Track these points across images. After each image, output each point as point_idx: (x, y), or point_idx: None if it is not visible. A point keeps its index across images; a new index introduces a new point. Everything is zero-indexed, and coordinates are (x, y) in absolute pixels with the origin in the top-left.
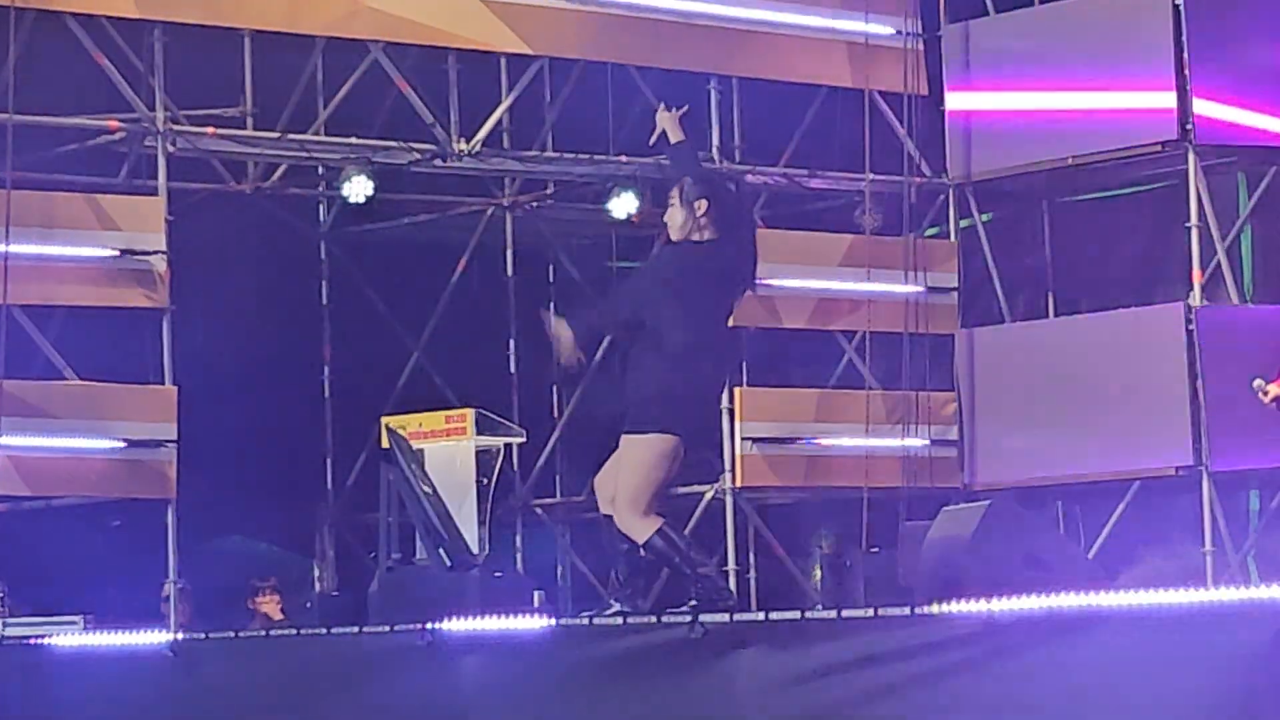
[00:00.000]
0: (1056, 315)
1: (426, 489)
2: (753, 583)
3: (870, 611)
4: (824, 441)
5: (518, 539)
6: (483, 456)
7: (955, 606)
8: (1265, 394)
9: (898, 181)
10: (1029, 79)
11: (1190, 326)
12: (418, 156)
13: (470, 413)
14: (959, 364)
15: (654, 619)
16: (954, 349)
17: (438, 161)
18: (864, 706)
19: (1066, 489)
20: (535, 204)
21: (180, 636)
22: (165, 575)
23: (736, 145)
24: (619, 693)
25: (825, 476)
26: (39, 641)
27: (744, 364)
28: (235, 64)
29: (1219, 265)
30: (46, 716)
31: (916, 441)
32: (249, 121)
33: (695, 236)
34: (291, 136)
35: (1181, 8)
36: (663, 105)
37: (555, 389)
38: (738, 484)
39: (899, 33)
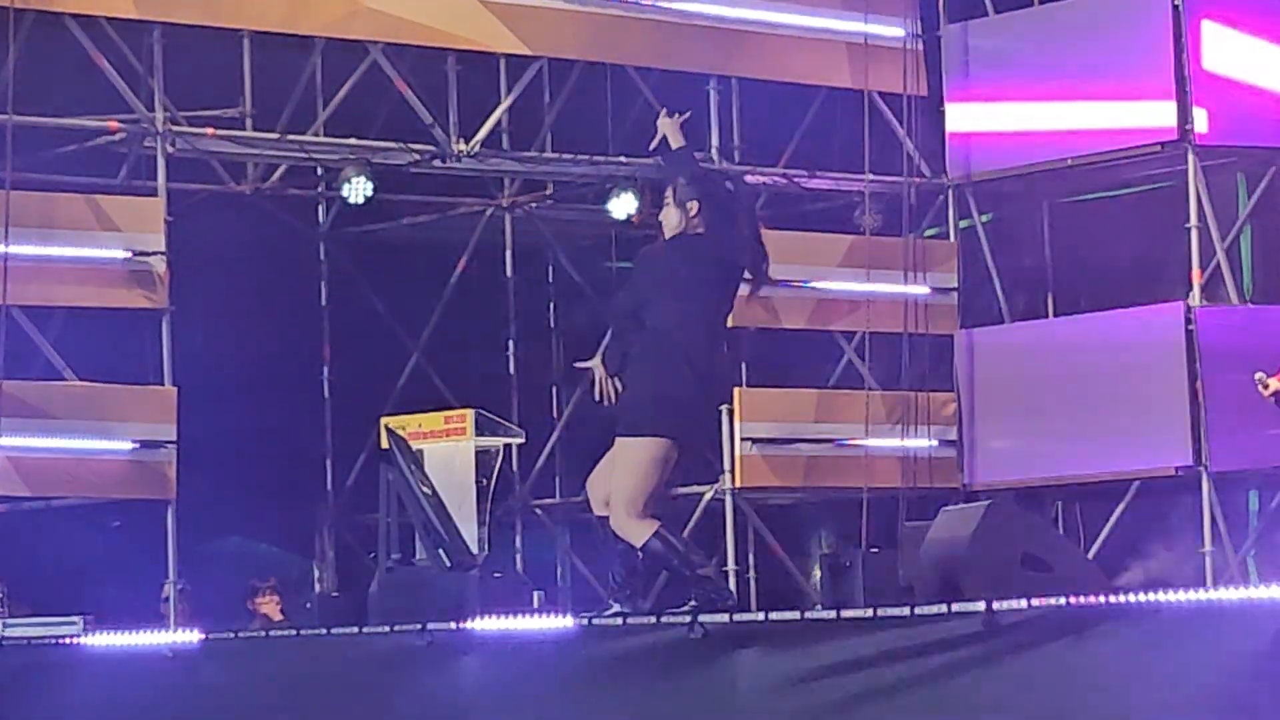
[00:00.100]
0: (1056, 315)
1: (426, 490)
2: (752, 583)
3: (870, 612)
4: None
5: (517, 539)
6: (482, 457)
7: (955, 607)
8: (1265, 387)
9: (897, 182)
10: (1029, 79)
11: (1190, 327)
12: (417, 157)
13: (470, 413)
14: (959, 364)
15: (653, 620)
16: (954, 349)
17: (437, 162)
18: (864, 707)
19: (1066, 489)
20: (534, 205)
21: (180, 637)
22: (165, 576)
23: (736, 146)
24: (619, 693)
25: (825, 477)
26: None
27: (744, 364)
28: (235, 65)
29: (1218, 265)
30: (47, 717)
31: (916, 442)
32: (248, 122)
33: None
34: (291, 137)
35: (1181, 8)
36: (664, 111)
37: (554, 389)
38: (737, 484)
39: (900, 34)
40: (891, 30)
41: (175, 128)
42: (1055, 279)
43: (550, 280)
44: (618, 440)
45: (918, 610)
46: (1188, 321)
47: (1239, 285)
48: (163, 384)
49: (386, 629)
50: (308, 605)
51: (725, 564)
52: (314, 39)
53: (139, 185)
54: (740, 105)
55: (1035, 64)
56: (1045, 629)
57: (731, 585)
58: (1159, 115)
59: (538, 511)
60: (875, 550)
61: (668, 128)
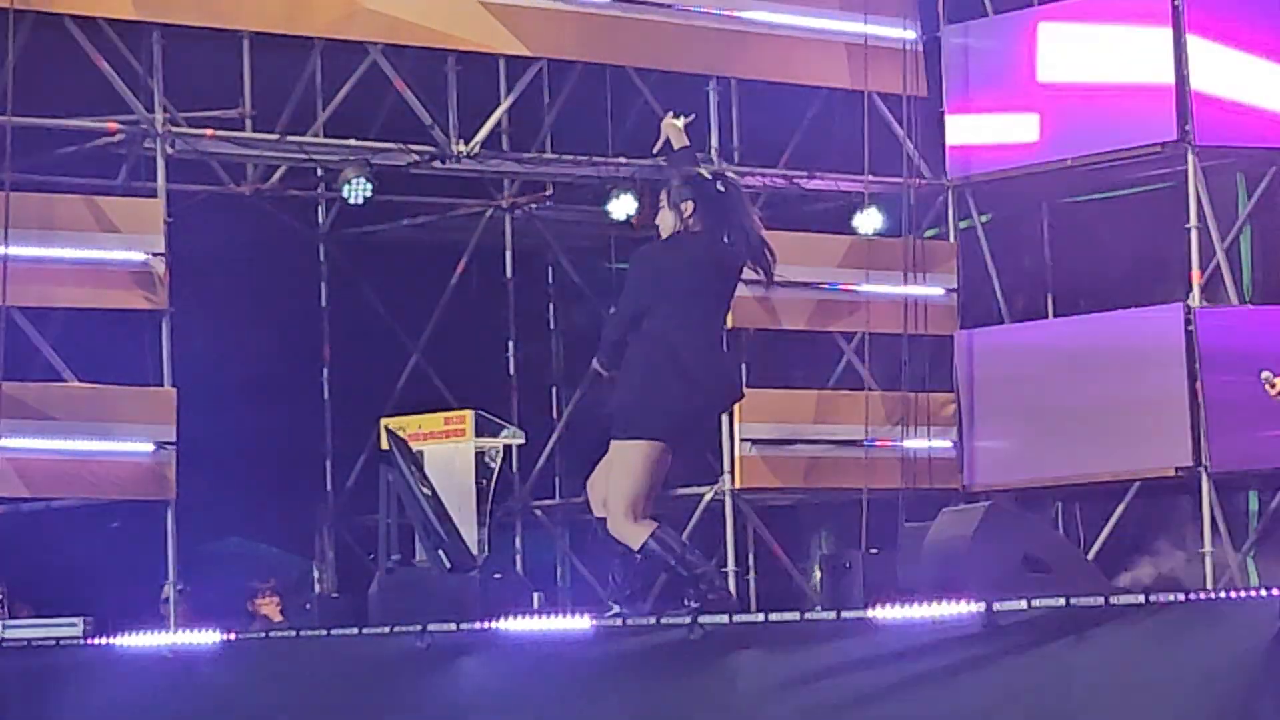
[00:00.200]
0: (1056, 316)
1: (426, 491)
2: (752, 584)
3: (869, 613)
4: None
5: (517, 540)
6: (482, 458)
7: (955, 607)
8: (1272, 386)
9: (897, 183)
10: (1028, 80)
11: (1190, 327)
12: (416, 158)
13: (469, 414)
14: (958, 365)
15: (653, 621)
16: (953, 350)
17: (437, 163)
18: (864, 708)
19: (1066, 490)
20: (534, 205)
21: (180, 639)
22: (165, 577)
23: (735, 146)
24: (619, 695)
25: (824, 478)
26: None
27: (744, 365)
28: (234, 66)
29: (1218, 266)
30: (47, 717)
31: (916, 443)
32: (248, 123)
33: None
34: (290, 138)
35: (1181, 8)
36: (671, 113)
37: (554, 390)
38: (737, 485)
39: (899, 34)
40: (891, 31)
41: (175, 129)
42: (1055, 280)
43: (550, 281)
44: (612, 443)
45: (918, 611)
46: (1187, 322)
47: (1239, 286)
48: (162, 385)
49: (386, 630)
50: (307, 606)
51: (725, 565)
52: (313, 40)
53: (139, 186)
54: (740, 106)
55: (1035, 64)
56: (1045, 629)
57: (731, 586)
58: (1158, 116)
59: (537, 512)
60: (875, 551)
61: (671, 129)
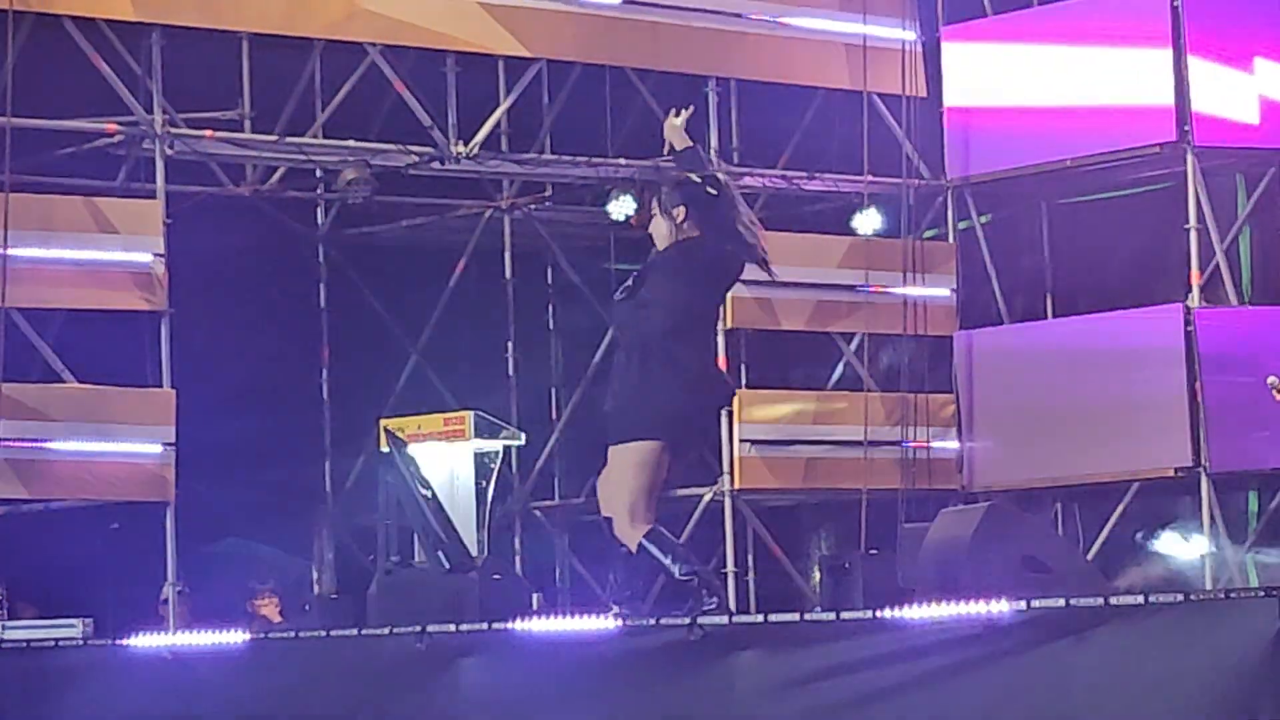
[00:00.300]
0: (1055, 317)
1: (425, 491)
2: (751, 585)
3: (869, 614)
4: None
5: (516, 541)
6: (481, 459)
7: (954, 608)
8: (1279, 391)
9: (896, 183)
10: (1027, 80)
11: (1189, 328)
12: (416, 159)
13: (469, 415)
14: (958, 366)
15: (653, 622)
16: (953, 351)
17: (436, 164)
18: (863, 709)
19: (1065, 490)
20: (533, 206)
21: (179, 640)
22: (164, 578)
23: (735, 147)
24: (618, 695)
25: (824, 478)
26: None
27: (744, 365)
28: (233, 67)
29: (1217, 267)
30: (47, 719)
31: (916, 443)
32: (247, 124)
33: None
34: (290, 139)
35: (1180, 8)
36: (671, 111)
37: (553, 391)
38: (736, 486)
39: (899, 35)
40: (890, 31)
41: (174, 130)
42: (1054, 280)
43: (549, 282)
44: (610, 449)
45: (917, 612)
46: (1187, 323)
47: (1238, 286)
48: (162, 386)
49: (385, 631)
50: (306, 607)
51: (724, 566)
52: (313, 41)
53: (138, 187)
54: (739, 106)
55: (1034, 65)
56: (1045, 630)
57: (730, 587)
58: (1158, 116)
59: (537, 513)
60: (874, 552)
61: (672, 131)
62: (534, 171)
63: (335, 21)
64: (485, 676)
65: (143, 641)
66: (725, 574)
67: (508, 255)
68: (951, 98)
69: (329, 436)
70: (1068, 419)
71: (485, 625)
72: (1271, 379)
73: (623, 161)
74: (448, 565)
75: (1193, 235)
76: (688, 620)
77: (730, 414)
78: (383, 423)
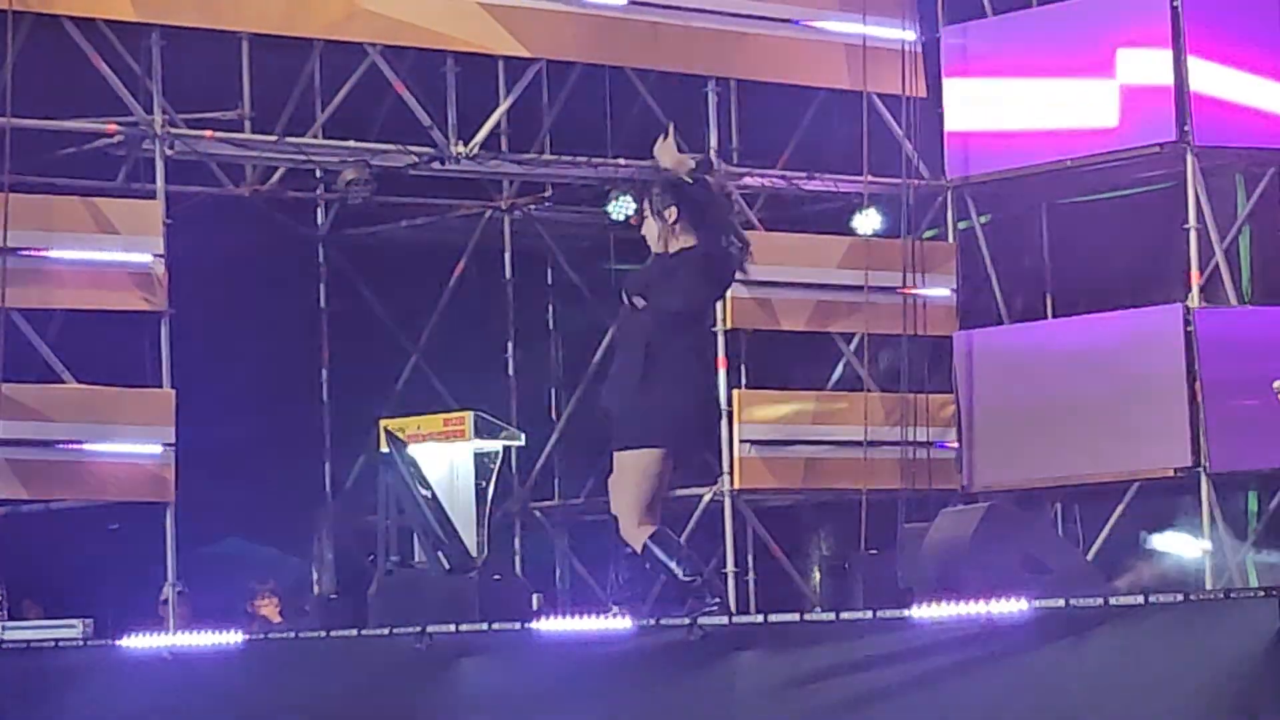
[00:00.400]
0: (1055, 317)
1: (425, 492)
2: (751, 585)
3: (869, 614)
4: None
5: (516, 542)
6: (481, 459)
7: (954, 609)
8: None
9: (896, 183)
10: (1027, 81)
11: (1189, 328)
12: (416, 159)
13: (469, 415)
14: (957, 366)
15: (653, 622)
16: (952, 351)
17: (436, 164)
18: (863, 709)
19: (1065, 490)
20: (533, 206)
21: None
22: (164, 578)
23: (734, 147)
24: (618, 695)
25: (824, 479)
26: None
27: (743, 365)
28: (233, 67)
29: (1217, 267)
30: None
31: (915, 444)
32: (247, 125)
33: (673, 246)
34: (289, 139)
35: (1180, 9)
36: (661, 136)
37: (553, 391)
38: (736, 486)
39: (898, 35)
40: (890, 32)
41: (174, 130)
42: (1054, 280)
43: (549, 282)
44: (615, 455)
45: (917, 612)
46: (1186, 323)
47: (1237, 286)
48: (162, 386)
49: (385, 631)
50: (306, 608)
51: (724, 566)
52: (312, 41)
53: (137, 188)
54: (739, 106)
55: (1034, 65)
56: (1045, 630)
57: (730, 588)
58: (1157, 117)
59: (537, 514)
60: (874, 552)
61: (664, 152)
62: (534, 172)
63: (335, 21)
64: (485, 677)
65: (142, 642)
66: (725, 574)
67: (508, 255)
68: (951, 97)
69: (329, 436)
70: (1068, 419)
71: (485, 625)
72: (1277, 384)
73: (623, 161)
74: (448, 565)
75: (1192, 235)
76: (688, 620)
77: (730, 414)
78: (383, 423)
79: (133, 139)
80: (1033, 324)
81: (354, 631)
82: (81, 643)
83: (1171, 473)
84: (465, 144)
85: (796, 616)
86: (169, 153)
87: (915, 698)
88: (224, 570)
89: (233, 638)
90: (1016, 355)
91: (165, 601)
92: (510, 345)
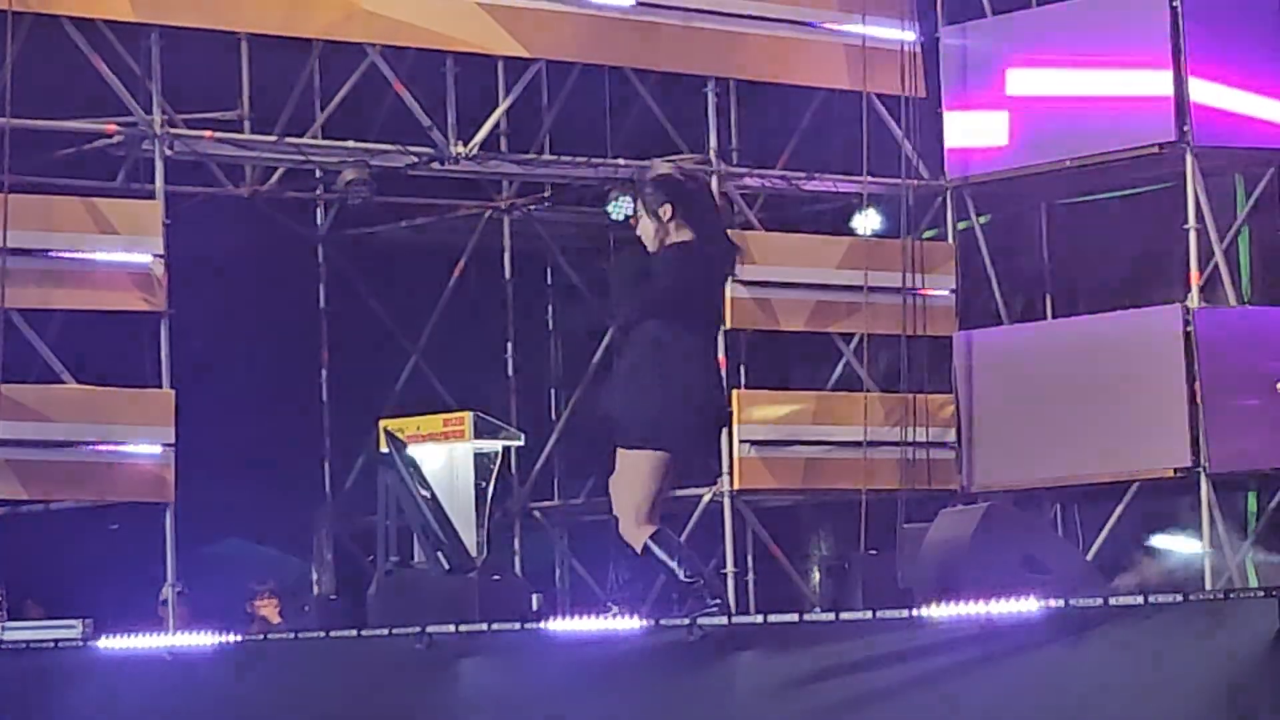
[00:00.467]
0: (1054, 317)
1: (424, 492)
2: (751, 586)
3: (869, 614)
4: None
5: (516, 542)
6: (481, 460)
7: (954, 609)
8: None
9: (895, 184)
10: (1027, 81)
11: (1188, 328)
12: (415, 159)
13: (468, 416)
14: (957, 366)
15: (652, 622)
16: (952, 351)
17: (435, 164)
18: (863, 709)
19: (1065, 491)
20: (533, 207)
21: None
22: (164, 578)
23: (734, 148)
24: (617, 696)
25: (824, 479)
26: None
27: (743, 366)
28: (232, 67)
29: (1217, 267)
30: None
31: (915, 444)
32: (246, 125)
33: (669, 243)
34: (289, 140)
35: (1180, 8)
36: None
37: (553, 392)
38: (736, 486)
39: (898, 35)
40: (890, 32)
41: (173, 130)
42: (1053, 280)
43: (548, 282)
44: (618, 452)
45: (917, 612)
46: (1186, 323)
47: (1237, 286)
48: (161, 386)
49: (385, 632)
50: (306, 608)
51: (724, 566)
52: (312, 41)
53: (137, 188)
54: (739, 107)
55: (1033, 65)
56: (1045, 630)
57: (730, 588)
58: (1157, 117)
59: (536, 514)
60: (874, 552)
61: (658, 164)
62: (533, 172)
63: (334, 22)
64: (485, 677)
65: (142, 642)
66: (725, 574)
67: (507, 255)
68: (950, 97)
69: (328, 437)
70: (1067, 419)
71: (485, 626)
72: None
73: (622, 161)
74: (447, 566)
75: (1192, 235)
76: (688, 620)
77: (730, 414)
78: (382, 423)
79: (132, 139)
80: (1033, 324)
81: (354, 632)
82: (82, 643)
83: (1171, 473)
84: (465, 144)
85: (796, 617)
86: (168, 153)
87: (915, 698)
88: (224, 570)
89: (233, 637)
90: (1016, 355)
91: (165, 602)
92: (510, 345)
